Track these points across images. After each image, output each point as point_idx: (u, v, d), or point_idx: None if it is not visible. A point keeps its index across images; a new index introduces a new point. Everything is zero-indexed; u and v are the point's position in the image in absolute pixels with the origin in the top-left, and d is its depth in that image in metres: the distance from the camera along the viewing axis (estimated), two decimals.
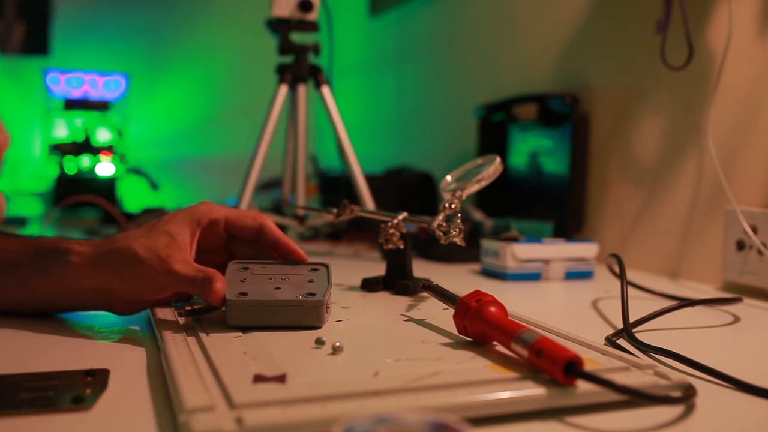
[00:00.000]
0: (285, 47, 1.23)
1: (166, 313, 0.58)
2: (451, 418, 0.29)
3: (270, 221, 0.64)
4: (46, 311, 0.62)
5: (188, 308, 0.56)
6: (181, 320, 0.56)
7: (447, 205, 0.72)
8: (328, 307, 0.57)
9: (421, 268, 0.94)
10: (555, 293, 0.85)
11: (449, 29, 1.70)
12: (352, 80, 2.25)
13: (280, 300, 0.54)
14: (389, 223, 0.74)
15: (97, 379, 0.43)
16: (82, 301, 0.59)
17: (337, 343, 0.47)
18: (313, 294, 0.56)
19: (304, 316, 0.55)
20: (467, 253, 1.03)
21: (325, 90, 1.24)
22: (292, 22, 1.22)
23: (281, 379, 0.40)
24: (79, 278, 0.56)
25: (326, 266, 0.63)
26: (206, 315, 0.57)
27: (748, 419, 0.42)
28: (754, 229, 0.83)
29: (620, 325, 0.62)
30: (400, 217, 0.74)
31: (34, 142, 2.40)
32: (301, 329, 0.54)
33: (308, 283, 0.59)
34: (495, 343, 0.49)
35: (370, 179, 1.23)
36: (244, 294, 0.54)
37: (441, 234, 0.71)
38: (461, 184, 0.74)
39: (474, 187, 0.73)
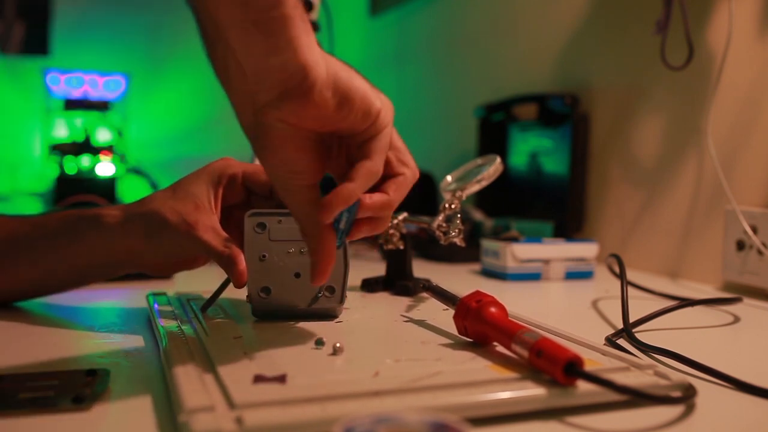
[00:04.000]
0: None
1: (166, 313, 0.58)
2: (451, 418, 0.29)
3: None
4: (78, 283, 0.63)
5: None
6: (179, 313, 0.59)
7: (447, 205, 0.72)
8: (346, 297, 0.59)
9: (421, 268, 0.94)
10: (555, 293, 0.85)
11: (449, 29, 1.70)
12: None
13: (301, 309, 0.57)
14: (389, 223, 0.74)
15: (97, 379, 0.43)
16: (115, 264, 0.61)
17: (338, 344, 0.47)
18: (332, 288, 0.58)
19: (323, 313, 0.58)
20: (467, 253, 1.03)
21: None
22: None
23: (281, 379, 0.40)
24: (112, 240, 0.58)
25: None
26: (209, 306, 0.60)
27: (748, 419, 0.42)
28: (754, 229, 0.83)
29: (620, 325, 0.62)
30: (400, 217, 0.74)
31: (34, 142, 2.40)
32: (317, 320, 0.57)
33: None
34: (495, 343, 0.49)
35: None
36: (267, 291, 0.56)
37: (441, 234, 0.71)
38: (461, 184, 0.74)
39: (474, 187, 0.73)
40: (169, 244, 0.57)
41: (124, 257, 0.59)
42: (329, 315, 0.58)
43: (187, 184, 0.59)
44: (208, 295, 0.63)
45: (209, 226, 0.57)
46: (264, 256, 0.57)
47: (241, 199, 0.64)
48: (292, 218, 0.61)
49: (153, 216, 0.57)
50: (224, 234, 0.57)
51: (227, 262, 0.55)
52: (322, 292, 0.57)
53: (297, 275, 0.57)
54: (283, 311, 0.57)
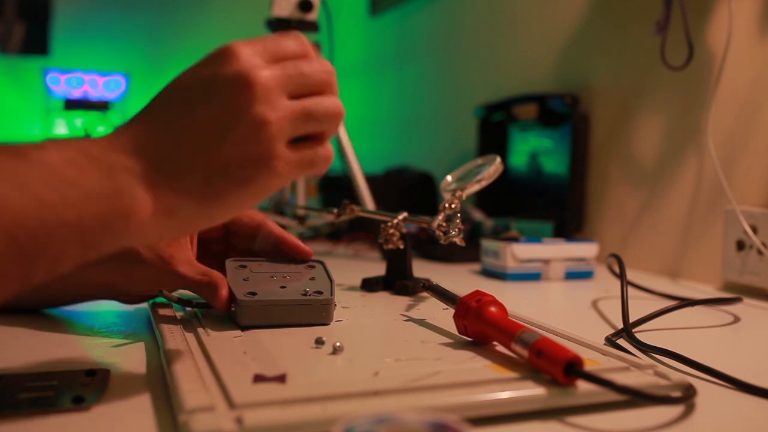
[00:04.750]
0: None
1: (166, 313, 0.58)
2: (451, 418, 0.29)
3: (269, 221, 0.64)
4: (51, 306, 0.63)
5: (195, 303, 0.58)
6: (179, 313, 0.57)
7: (447, 205, 0.72)
8: (335, 304, 0.58)
9: (421, 268, 0.94)
10: (555, 293, 0.85)
11: (449, 29, 1.70)
12: (352, 80, 2.25)
13: (291, 299, 0.55)
14: (389, 223, 0.74)
15: (97, 379, 0.43)
16: (87, 294, 0.61)
17: (338, 343, 0.47)
18: (320, 292, 0.57)
19: (314, 314, 0.56)
20: (467, 253, 1.03)
21: None
22: (292, 22, 1.22)
23: (281, 379, 0.40)
24: (84, 275, 0.57)
25: (321, 263, 0.63)
26: (207, 311, 0.59)
27: (748, 419, 0.42)
28: (754, 229, 0.83)
29: (620, 325, 0.62)
30: (400, 217, 0.74)
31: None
32: (308, 326, 0.55)
33: (311, 281, 0.59)
34: (495, 343, 0.49)
35: (370, 179, 1.23)
36: (253, 294, 0.55)
37: (441, 234, 0.71)
38: (461, 184, 0.74)
39: (474, 187, 0.73)
40: (144, 279, 0.57)
41: (96, 290, 0.60)
42: (321, 316, 0.56)
43: None
44: None
45: (184, 259, 0.57)
46: (247, 278, 0.58)
47: (218, 235, 0.65)
48: (271, 260, 0.62)
49: (127, 252, 0.56)
50: (201, 266, 0.57)
51: (208, 289, 0.55)
52: (311, 293, 0.56)
53: (282, 287, 0.57)
54: (273, 310, 0.55)
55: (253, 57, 0.41)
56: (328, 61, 0.44)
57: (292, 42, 0.44)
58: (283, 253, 0.64)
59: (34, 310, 0.64)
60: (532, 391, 0.40)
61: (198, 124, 0.40)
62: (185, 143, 0.40)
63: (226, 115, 0.40)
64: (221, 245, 0.65)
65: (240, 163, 0.40)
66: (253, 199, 0.41)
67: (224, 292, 0.55)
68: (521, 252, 0.90)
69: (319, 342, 0.49)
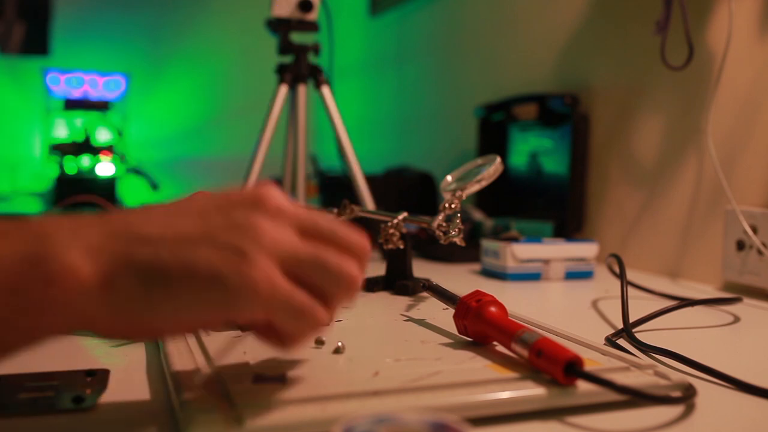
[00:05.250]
0: (285, 47, 1.23)
1: None
2: (451, 418, 0.29)
3: None
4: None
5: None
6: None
7: (447, 205, 0.72)
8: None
9: (421, 268, 0.94)
10: (555, 293, 0.85)
11: (449, 29, 1.70)
12: (352, 80, 2.25)
13: None
14: (389, 223, 0.74)
15: (97, 379, 0.43)
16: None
17: (340, 343, 0.47)
18: None
19: None
20: (467, 253, 1.03)
21: (325, 90, 1.24)
22: (292, 22, 1.22)
23: (281, 379, 0.40)
24: None
25: None
26: None
27: (748, 419, 0.42)
28: (754, 229, 0.83)
29: (620, 325, 0.62)
30: (400, 217, 0.74)
31: (34, 142, 2.40)
32: None
33: None
34: (495, 343, 0.49)
35: (370, 179, 1.23)
36: None
37: (441, 234, 0.71)
38: (461, 184, 0.74)
39: (474, 187, 0.73)
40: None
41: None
42: None
43: None
44: None
45: None
46: None
47: None
48: None
49: None
50: None
51: None
52: None
53: None
54: None
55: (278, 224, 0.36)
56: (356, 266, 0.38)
57: (332, 230, 0.38)
58: None
59: None
60: (532, 391, 0.40)
61: (180, 216, 0.36)
62: (153, 221, 0.35)
63: (219, 218, 0.36)
64: None
65: (213, 264, 0.34)
66: (208, 307, 0.34)
67: None
68: (521, 252, 0.90)
69: (319, 342, 0.49)
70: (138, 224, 0.35)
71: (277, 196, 0.37)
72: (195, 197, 0.38)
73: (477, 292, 0.51)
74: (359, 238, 0.39)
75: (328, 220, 0.38)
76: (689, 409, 0.41)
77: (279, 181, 1.36)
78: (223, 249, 0.34)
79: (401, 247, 0.74)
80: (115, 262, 0.33)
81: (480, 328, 0.48)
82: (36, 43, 2.46)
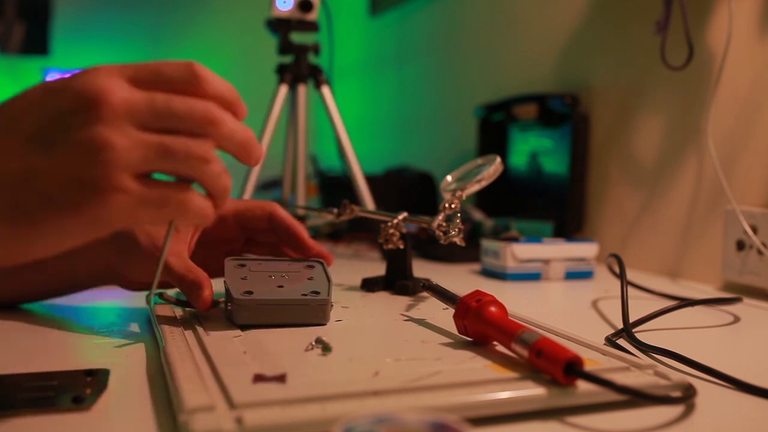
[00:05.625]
0: (285, 47, 1.23)
1: (165, 312, 0.58)
2: (451, 418, 0.29)
3: (279, 208, 0.63)
4: (66, 291, 0.64)
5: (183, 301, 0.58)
6: (179, 313, 0.57)
7: (447, 205, 0.72)
8: (332, 305, 0.58)
9: (421, 268, 0.94)
10: (555, 293, 0.85)
11: (449, 29, 1.70)
12: (352, 80, 2.25)
13: (287, 299, 0.55)
14: (389, 223, 0.74)
15: (97, 379, 0.43)
16: (97, 276, 0.61)
17: (324, 337, 0.48)
18: (317, 292, 0.56)
19: (310, 314, 0.55)
20: (467, 253, 1.03)
21: (325, 90, 1.24)
22: (292, 22, 1.22)
23: (281, 378, 0.40)
24: (89, 254, 0.57)
25: (321, 263, 0.63)
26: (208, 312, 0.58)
27: (748, 419, 0.42)
28: (754, 229, 0.83)
29: (620, 325, 0.62)
30: (400, 217, 0.74)
31: None
32: (305, 326, 0.55)
33: (309, 280, 0.59)
34: (495, 343, 0.49)
35: (370, 179, 1.23)
36: (250, 293, 0.55)
37: (441, 234, 0.71)
38: (461, 184, 0.74)
39: (474, 187, 0.73)
40: (136, 263, 0.57)
41: (104, 270, 0.60)
42: (317, 317, 0.56)
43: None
44: None
45: (175, 251, 0.56)
46: (245, 278, 0.57)
47: (233, 234, 0.64)
48: (271, 260, 0.61)
49: (125, 235, 0.56)
50: (190, 262, 0.57)
51: (190, 287, 0.55)
52: (308, 293, 0.56)
53: (280, 286, 0.57)
54: (269, 310, 0.54)
55: (115, 75, 0.36)
56: (215, 106, 0.39)
57: (180, 71, 0.38)
58: (291, 244, 0.64)
59: (15, 305, 0.64)
60: (532, 391, 0.40)
61: (19, 131, 0.35)
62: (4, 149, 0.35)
63: (56, 127, 0.35)
64: (239, 243, 0.65)
65: (64, 187, 0.35)
66: (81, 228, 0.36)
67: (206, 293, 0.54)
68: (521, 252, 0.90)
69: (320, 342, 0.49)
70: None
71: (107, 88, 0.36)
72: (23, 96, 0.38)
73: (477, 292, 0.51)
74: (206, 109, 0.38)
75: (168, 101, 0.37)
76: (689, 409, 0.41)
77: (279, 182, 1.36)
78: (74, 172, 0.35)
79: (401, 247, 0.74)
80: None
81: (480, 328, 0.48)
82: (36, 43, 2.46)
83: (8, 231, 0.35)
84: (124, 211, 0.36)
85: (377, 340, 0.54)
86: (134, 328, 0.59)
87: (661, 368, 0.44)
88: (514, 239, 0.92)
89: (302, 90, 1.25)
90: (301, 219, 1.16)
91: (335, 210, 0.79)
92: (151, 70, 0.37)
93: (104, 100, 0.35)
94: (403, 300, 0.68)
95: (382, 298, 0.70)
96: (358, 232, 1.28)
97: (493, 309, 0.49)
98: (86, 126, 0.35)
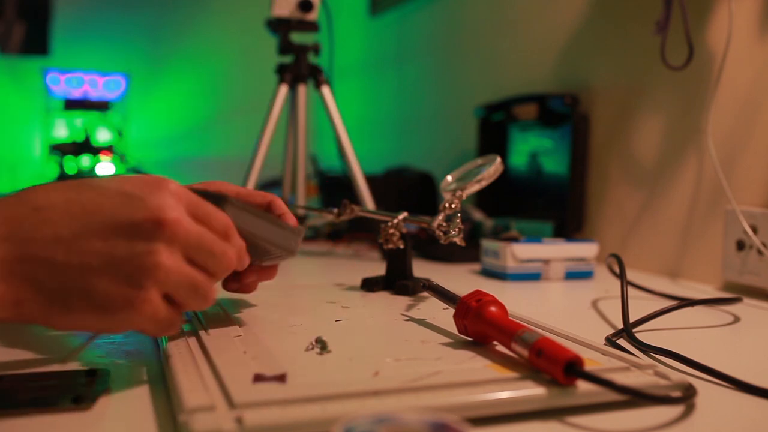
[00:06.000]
0: (285, 47, 1.23)
1: None
2: (451, 418, 0.29)
3: (280, 199, 0.64)
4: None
5: None
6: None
7: (447, 205, 0.72)
8: (302, 237, 0.58)
9: (421, 268, 0.94)
10: (555, 293, 0.85)
11: (449, 29, 1.70)
12: (352, 80, 2.25)
13: (269, 216, 0.55)
14: (389, 223, 0.74)
15: (97, 379, 0.43)
16: None
17: (324, 337, 0.48)
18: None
19: (285, 237, 0.56)
20: (467, 253, 1.03)
21: (325, 90, 1.24)
22: (292, 22, 1.22)
23: (281, 378, 0.40)
24: None
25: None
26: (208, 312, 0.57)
27: (748, 419, 0.42)
28: (754, 229, 0.83)
29: (620, 325, 0.62)
30: (400, 217, 0.74)
31: (34, 142, 2.40)
32: (277, 258, 0.56)
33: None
34: (495, 342, 0.49)
35: (370, 179, 1.23)
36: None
37: (441, 234, 0.71)
38: (461, 184, 0.74)
39: (474, 187, 0.73)
40: None
41: None
42: (289, 244, 0.56)
43: None
44: None
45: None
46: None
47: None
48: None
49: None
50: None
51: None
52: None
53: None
54: (252, 219, 0.53)
55: (182, 204, 0.43)
56: (234, 251, 0.46)
57: (220, 220, 0.45)
58: None
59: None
60: (532, 391, 0.40)
61: (91, 226, 0.40)
62: (61, 252, 0.40)
63: (124, 233, 0.40)
64: None
65: (110, 286, 0.40)
66: (99, 324, 0.41)
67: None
68: (521, 252, 0.90)
69: (320, 342, 0.49)
70: (44, 243, 0.40)
71: (175, 216, 0.42)
72: (100, 193, 0.42)
73: (477, 292, 0.51)
74: (229, 254, 0.45)
75: (213, 242, 0.44)
76: (689, 409, 0.41)
77: (279, 182, 1.36)
78: (121, 283, 0.40)
79: (401, 247, 0.74)
80: (24, 286, 0.40)
81: (480, 327, 0.48)
82: (36, 43, 2.46)
83: (38, 309, 0.40)
84: (140, 320, 0.42)
85: (377, 340, 0.54)
86: None
87: (661, 368, 0.44)
88: (514, 239, 0.92)
89: (302, 90, 1.25)
90: (301, 219, 1.16)
91: (335, 210, 0.79)
92: (205, 212, 0.45)
93: (171, 225, 0.41)
94: (403, 300, 0.68)
95: (382, 298, 0.70)
96: (358, 232, 1.28)
97: (493, 309, 0.49)
98: (150, 241, 0.41)
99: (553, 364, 0.40)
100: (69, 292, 0.40)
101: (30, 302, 0.40)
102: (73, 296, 0.40)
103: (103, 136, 2.21)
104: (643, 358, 0.50)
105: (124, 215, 0.41)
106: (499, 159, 0.74)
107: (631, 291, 0.76)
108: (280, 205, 0.63)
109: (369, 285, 0.74)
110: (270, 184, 1.72)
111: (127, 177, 0.44)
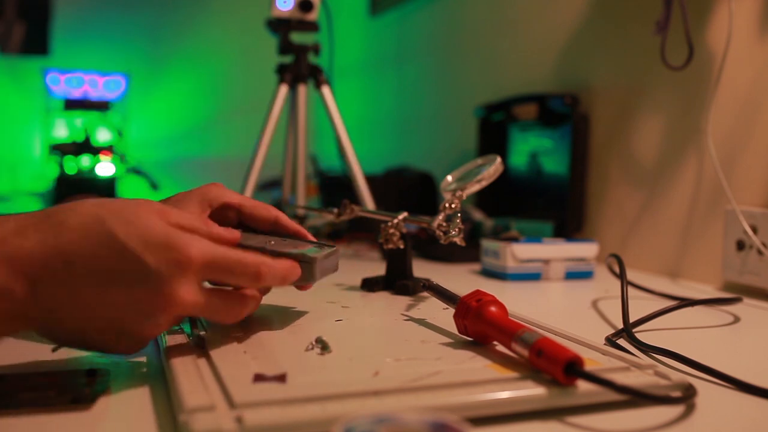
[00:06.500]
0: (285, 47, 1.23)
1: None
2: (451, 418, 0.29)
3: (283, 215, 0.63)
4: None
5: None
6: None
7: (447, 204, 0.72)
8: (318, 263, 0.55)
9: (421, 268, 0.94)
10: (555, 293, 0.85)
11: (449, 29, 1.70)
12: (352, 80, 2.25)
13: (273, 250, 0.53)
14: (389, 223, 0.74)
15: (97, 380, 0.43)
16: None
17: (324, 337, 0.48)
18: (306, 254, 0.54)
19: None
20: (467, 253, 1.03)
21: (325, 90, 1.24)
22: (292, 22, 1.22)
23: (281, 378, 0.40)
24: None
25: (332, 247, 0.59)
26: None
27: (748, 419, 0.42)
28: (754, 229, 0.83)
29: (620, 325, 0.62)
30: (400, 217, 0.74)
31: (34, 142, 2.40)
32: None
33: (310, 244, 0.57)
34: (495, 342, 0.49)
35: (370, 179, 1.23)
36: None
37: (441, 234, 0.71)
38: (462, 184, 0.74)
39: (474, 187, 0.73)
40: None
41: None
42: (304, 276, 0.53)
43: (177, 201, 0.58)
44: None
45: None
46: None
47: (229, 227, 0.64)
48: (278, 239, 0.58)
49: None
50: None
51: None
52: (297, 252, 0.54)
53: (272, 242, 0.56)
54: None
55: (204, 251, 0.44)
56: (260, 267, 0.46)
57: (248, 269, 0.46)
58: None
59: None
60: (532, 391, 0.40)
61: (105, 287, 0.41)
62: (79, 282, 0.41)
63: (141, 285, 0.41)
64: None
65: (127, 323, 0.42)
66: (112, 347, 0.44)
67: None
68: (521, 252, 0.90)
69: (320, 342, 0.49)
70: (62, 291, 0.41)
71: (194, 253, 0.43)
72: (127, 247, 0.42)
73: (477, 292, 0.51)
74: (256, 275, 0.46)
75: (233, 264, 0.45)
76: (689, 409, 0.41)
77: (279, 182, 1.36)
78: (140, 316, 0.42)
79: (401, 247, 0.74)
80: (44, 315, 0.41)
81: (480, 327, 0.48)
82: (36, 43, 2.46)
83: (64, 338, 0.43)
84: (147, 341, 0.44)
85: (377, 340, 0.54)
86: None
87: (661, 368, 0.44)
88: (514, 239, 0.92)
89: (302, 90, 1.25)
90: (301, 219, 1.16)
91: (335, 210, 0.79)
92: (192, 227, 0.46)
93: (190, 261, 0.42)
94: (403, 300, 0.68)
95: (382, 298, 0.70)
96: (358, 232, 1.28)
97: (493, 309, 0.49)
98: (171, 279, 0.42)
99: (553, 364, 0.40)
100: (91, 331, 0.43)
101: (52, 329, 0.43)
102: (93, 332, 0.43)
103: (103, 136, 2.21)
104: (643, 358, 0.50)
105: (148, 261, 0.42)
106: (499, 159, 0.74)
107: (631, 291, 0.76)
108: (286, 222, 0.62)
109: (369, 285, 0.74)
110: (270, 184, 1.72)
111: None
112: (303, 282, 0.54)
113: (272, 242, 0.56)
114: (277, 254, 0.52)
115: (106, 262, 0.41)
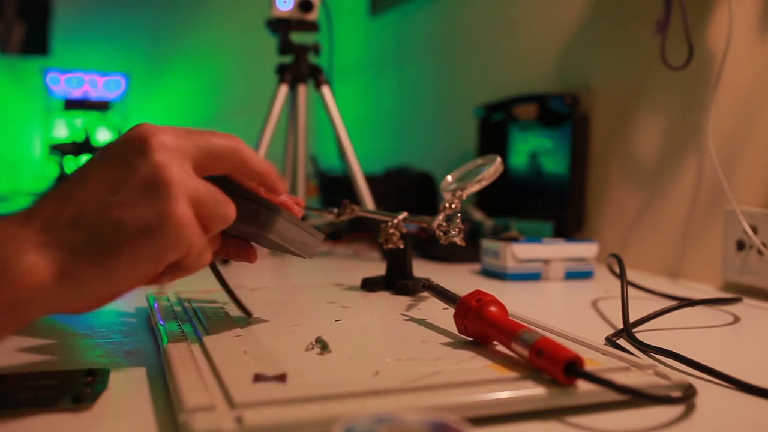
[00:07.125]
0: (285, 47, 1.23)
1: (166, 313, 0.58)
2: (451, 418, 0.29)
3: (247, 151, 0.53)
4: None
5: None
6: (178, 311, 0.57)
7: (447, 204, 0.72)
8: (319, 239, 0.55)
9: (421, 268, 0.94)
10: (555, 293, 0.85)
11: (449, 29, 1.70)
12: (352, 80, 2.25)
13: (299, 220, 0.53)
14: (389, 223, 0.74)
15: (97, 379, 0.43)
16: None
17: (324, 337, 0.48)
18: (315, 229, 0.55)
19: (309, 246, 0.54)
20: (467, 253, 1.03)
21: (325, 90, 1.24)
22: (292, 22, 1.22)
23: (281, 378, 0.40)
24: None
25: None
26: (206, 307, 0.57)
27: (748, 419, 0.42)
28: (754, 229, 0.83)
29: (620, 325, 0.62)
30: (400, 216, 0.74)
31: (34, 142, 2.40)
32: (289, 253, 0.54)
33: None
34: (495, 342, 0.49)
35: (370, 179, 1.23)
36: None
37: (441, 234, 0.71)
38: (462, 184, 0.74)
39: (474, 187, 0.73)
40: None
41: None
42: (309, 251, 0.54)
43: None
44: (207, 296, 0.63)
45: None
46: None
47: None
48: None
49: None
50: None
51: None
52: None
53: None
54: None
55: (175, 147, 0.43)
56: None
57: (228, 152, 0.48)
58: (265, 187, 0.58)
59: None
60: (532, 391, 0.40)
61: (90, 183, 0.41)
62: (73, 199, 0.40)
63: (121, 169, 0.41)
64: None
65: (142, 218, 0.40)
66: (152, 253, 0.40)
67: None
68: (521, 252, 0.90)
69: (320, 342, 0.49)
70: (63, 210, 0.40)
71: (157, 136, 0.42)
72: (91, 166, 0.42)
73: (477, 292, 0.51)
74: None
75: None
76: (689, 409, 0.41)
77: None
78: (146, 204, 0.40)
79: (401, 247, 0.74)
80: (62, 255, 0.39)
81: (480, 327, 0.48)
82: (36, 43, 2.46)
83: (92, 266, 0.39)
84: (180, 235, 0.41)
85: (377, 340, 0.54)
86: (134, 328, 0.59)
87: (661, 368, 0.44)
88: (514, 239, 0.92)
89: (302, 90, 1.25)
90: (301, 219, 1.16)
91: (335, 210, 0.79)
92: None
93: (152, 139, 0.42)
94: (403, 300, 0.68)
95: (382, 297, 0.70)
96: (358, 232, 1.28)
97: (493, 309, 0.49)
98: (149, 156, 0.41)
99: (553, 364, 0.40)
100: (104, 236, 0.39)
101: (76, 266, 0.39)
102: (109, 238, 0.39)
103: (103, 136, 2.21)
104: (643, 358, 0.50)
105: (113, 160, 0.41)
106: (499, 159, 0.74)
107: (631, 291, 0.76)
108: (253, 165, 0.57)
109: (369, 285, 0.74)
110: None
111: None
112: (257, 229, 0.50)
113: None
114: (258, 197, 0.52)
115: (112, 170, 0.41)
